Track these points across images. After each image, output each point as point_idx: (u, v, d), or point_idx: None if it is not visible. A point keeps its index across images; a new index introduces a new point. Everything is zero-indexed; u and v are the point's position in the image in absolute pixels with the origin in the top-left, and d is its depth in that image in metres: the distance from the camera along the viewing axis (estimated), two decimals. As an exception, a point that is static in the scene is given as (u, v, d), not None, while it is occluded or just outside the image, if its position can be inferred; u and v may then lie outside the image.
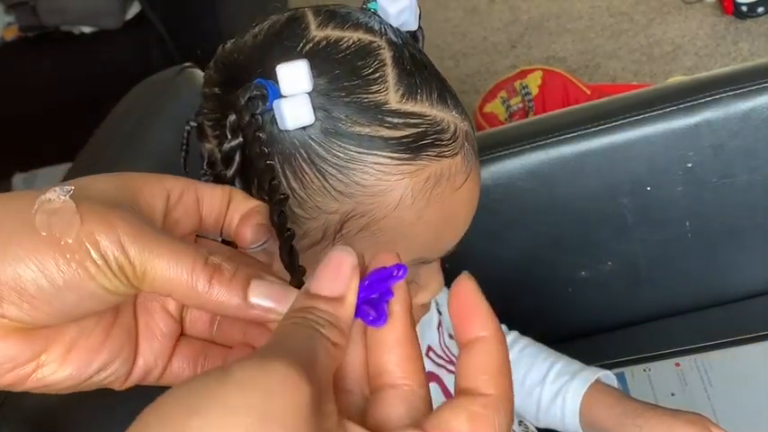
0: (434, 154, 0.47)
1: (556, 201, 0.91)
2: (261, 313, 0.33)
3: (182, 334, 0.37)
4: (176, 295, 0.32)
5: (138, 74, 0.95)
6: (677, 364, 0.91)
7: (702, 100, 0.87)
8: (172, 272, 0.31)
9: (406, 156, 0.47)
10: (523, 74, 1.88)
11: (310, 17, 0.48)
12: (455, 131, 0.49)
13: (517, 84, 1.85)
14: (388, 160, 0.46)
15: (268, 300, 0.33)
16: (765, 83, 0.86)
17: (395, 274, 0.31)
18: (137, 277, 0.31)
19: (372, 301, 0.31)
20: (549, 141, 0.88)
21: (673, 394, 0.88)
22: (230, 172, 0.45)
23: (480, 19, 2.45)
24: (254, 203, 0.38)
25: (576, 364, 0.78)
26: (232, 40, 0.51)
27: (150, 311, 0.36)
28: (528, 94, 1.83)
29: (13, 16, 2.05)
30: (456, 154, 0.48)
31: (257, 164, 0.43)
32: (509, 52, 2.28)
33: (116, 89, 0.95)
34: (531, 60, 2.17)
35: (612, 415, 0.71)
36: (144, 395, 0.29)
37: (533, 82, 1.85)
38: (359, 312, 0.31)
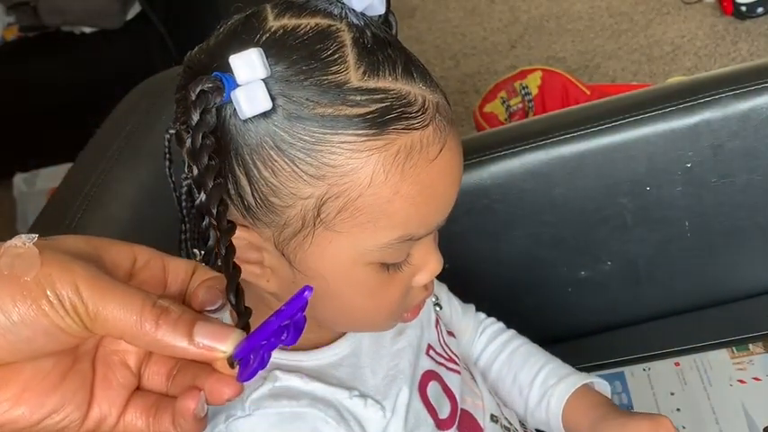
0: (402, 127, 0.47)
1: (556, 201, 0.91)
2: (204, 351, 0.35)
3: (138, 388, 0.38)
4: (127, 336, 0.34)
5: (139, 74, 0.96)
6: (677, 364, 0.91)
7: (702, 100, 0.87)
8: (122, 313, 0.34)
9: (372, 131, 0.47)
10: (523, 74, 1.88)
11: (268, 10, 0.49)
12: (423, 103, 0.48)
13: (517, 84, 1.85)
14: (354, 138, 0.46)
15: (210, 339, 0.35)
16: (765, 83, 0.86)
17: (305, 294, 0.36)
18: (89, 318, 0.33)
19: (286, 326, 0.36)
20: (549, 141, 0.88)
21: (672, 393, 0.88)
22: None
23: (480, 19, 2.45)
24: (214, 274, 0.39)
25: (566, 368, 0.77)
26: (199, 45, 0.51)
27: (109, 363, 0.37)
28: (528, 94, 1.84)
29: (14, 16, 2.06)
30: (426, 125, 0.48)
31: (205, 181, 0.42)
32: (509, 52, 2.28)
33: (116, 89, 0.95)
34: (530, 60, 2.17)
35: (586, 421, 0.71)
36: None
37: (533, 82, 1.85)
38: (275, 335, 0.36)
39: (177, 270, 0.39)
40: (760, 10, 2.10)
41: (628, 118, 0.88)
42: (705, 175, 0.89)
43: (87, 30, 1.99)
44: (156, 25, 1.95)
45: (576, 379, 0.75)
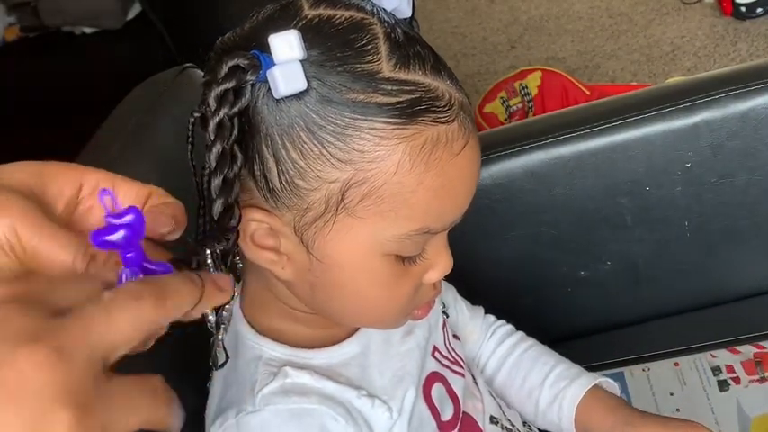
0: (430, 119, 0.49)
1: (555, 201, 0.91)
2: None
3: None
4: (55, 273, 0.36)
5: (139, 74, 0.95)
6: (676, 364, 0.91)
7: (701, 100, 0.87)
8: (61, 255, 0.36)
9: (402, 120, 0.48)
10: (523, 74, 1.88)
11: (303, 0, 0.51)
12: (450, 99, 0.50)
13: (517, 84, 1.86)
14: (384, 125, 0.48)
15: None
16: (764, 83, 0.86)
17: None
18: (27, 257, 0.35)
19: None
20: (548, 141, 0.89)
21: (672, 394, 0.88)
22: (228, 143, 0.46)
23: (480, 19, 2.46)
24: (170, 200, 0.40)
25: (576, 369, 0.77)
26: (231, 31, 0.52)
27: None
28: (527, 94, 1.84)
29: (15, 17, 2.06)
30: (452, 121, 0.50)
31: (210, 150, 0.45)
32: (509, 53, 2.28)
33: (117, 89, 0.95)
34: (530, 61, 2.18)
35: (605, 425, 0.70)
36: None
37: (533, 82, 1.85)
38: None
39: (127, 195, 0.40)
40: (759, 10, 2.10)
41: (628, 118, 0.88)
42: (704, 175, 0.89)
43: (88, 30, 1.99)
44: (156, 25, 1.95)
45: (587, 380, 0.75)
